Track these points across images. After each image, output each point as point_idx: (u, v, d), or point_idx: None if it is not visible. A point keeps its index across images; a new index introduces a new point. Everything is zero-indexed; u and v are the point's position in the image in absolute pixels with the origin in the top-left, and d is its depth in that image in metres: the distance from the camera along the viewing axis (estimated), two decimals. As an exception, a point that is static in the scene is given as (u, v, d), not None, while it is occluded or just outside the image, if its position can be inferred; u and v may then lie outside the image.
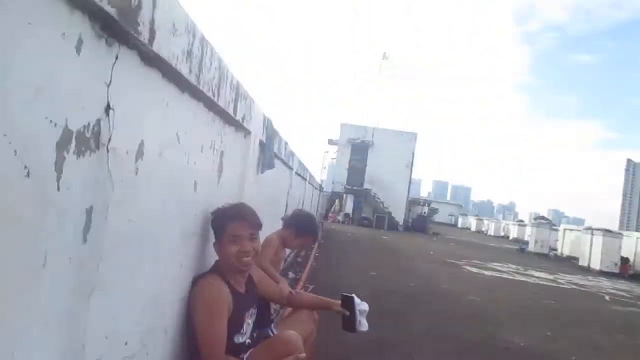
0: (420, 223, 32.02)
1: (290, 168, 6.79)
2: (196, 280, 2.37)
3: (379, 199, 29.93)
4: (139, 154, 1.58)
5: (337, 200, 30.99)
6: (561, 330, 6.68)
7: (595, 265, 19.04)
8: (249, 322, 2.52)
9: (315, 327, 2.85)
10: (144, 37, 1.40)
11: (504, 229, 45.47)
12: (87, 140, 1.25)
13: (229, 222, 2.41)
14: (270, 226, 3.92)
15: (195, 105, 2.13)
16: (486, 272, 12.85)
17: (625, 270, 18.79)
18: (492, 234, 45.12)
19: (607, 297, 11.30)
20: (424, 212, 36.01)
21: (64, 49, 1.11)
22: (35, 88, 1.02)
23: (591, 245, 19.78)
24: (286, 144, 5.55)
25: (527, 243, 26.78)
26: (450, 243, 23.98)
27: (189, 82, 1.87)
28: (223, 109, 2.44)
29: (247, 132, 3.20)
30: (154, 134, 1.68)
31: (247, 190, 3.32)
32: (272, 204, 5.37)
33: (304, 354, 2.23)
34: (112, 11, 1.19)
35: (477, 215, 64.89)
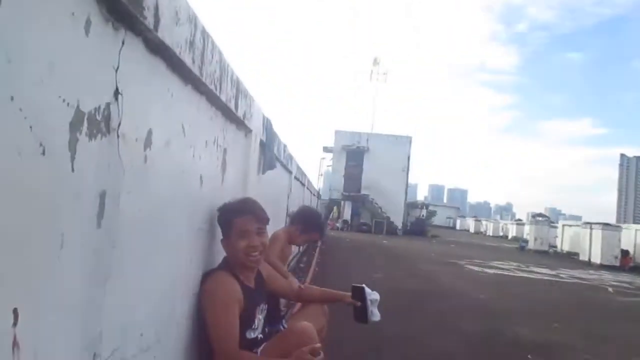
0: (418, 226, 32.01)
1: (290, 172, 6.79)
2: (206, 277, 2.36)
3: (377, 204, 29.91)
4: (147, 142, 1.57)
5: (335, 208, 30.96)
6: (568, 322, 6.66)
7: (596, 259, 19.07)
8: (259, 317, 2.51)
9: (326, 320, 2.84)
10: (149, 22, 1.40)
11: (502, 228, 45.47)
12: (98, 124, 1.24)
13: (235, 217, 2.40)
14: (272, 230, 3.91)
15: (198, 99, 2.12)
16: (489, 270, 12.84)
17: (625, 263, 18.82)
18: (491, 234, 45.12)
19: (610, 289, 11.30)
20: (422, 215, 36.02)
21: (73, 28, 1.11)
22: (48, 64, 1.02)
23: (591, 239, 19.82)
24: (285, 146, 5.55)
25: (526, 241, 26.79)
26: (450, 245, 23.96)
27: (192, 73, 1.87)
28: (225, 105, 2.44)
29: (248, 131, 3.20)
30: (160, 123, 1.67)
31: (250, 190, 3.30)
32: (273, 206, 5.35)
33: (319, 344, 2.22)
34: (118, -8, 1.19)
35: (475, 217, 64.91)
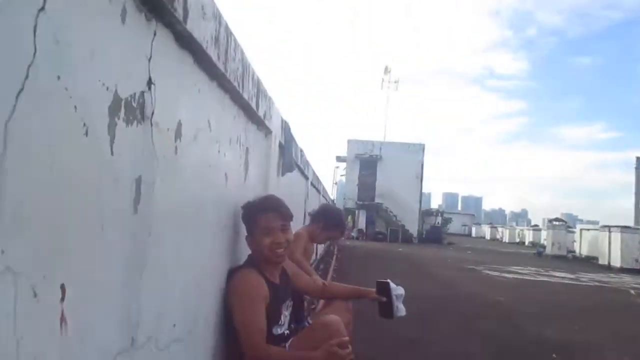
0: (434, 234, 31.79)
1: (306, 177, 6.82)
2: (232, 274, 2.38)
3: (392, 212, 29.79)
4: (178, 133, 1.60)
5: (349, 217, 30.90)
6: (592, 323, 6.57)
7: (616, 262, 18.77)
8: (285, 313, 2.52)
9: (351, 316, 2.84)
10: (179, 13, 1.43)
11: (519, 234, 44.96)
12: (134, 110, 1.28)
13: (260, 214, 2.42)
14: (293, 230, 3.93)
15: (222, 97, 2.16)
16: (507, 275, 12.71)
17: (646, 266, 18.52)
18: (507, 240, 44.64)
19: (632, 292, 11.11)
20: (438, 223, 35.80)
21: (111, 15, 1.15)
22: (90, 49, 1.05)
23: (610, 243, 19.52)
24: (302, 151, 5.58)
25: (544, 246, 26.44)
26: (467, 251, 23.76)
27: (218, 69, 1.90)
28: (247, 103, 2.47)
29: (268, 132, 3.23)
30: (189, 117, 1.70)
31: (270, 191, 3.32)
32: (292, 210, 5.37)
33: (347, 338, 2.22)
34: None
35: (490, 224, 64.36)
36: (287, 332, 2.49)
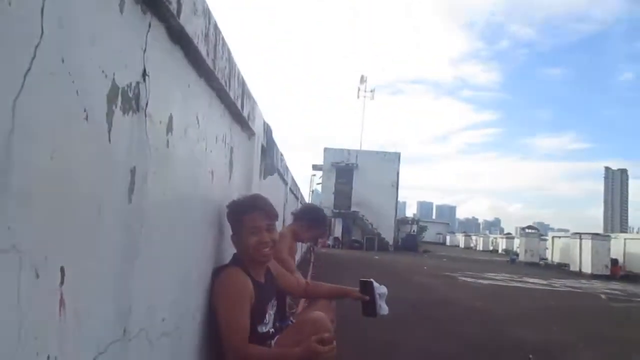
0: (410, 242, 32.03)
1: (286, 182, 6.83)
2: (217, 272, 2.38)
3: (367, 220, 29.94)
4: (169, 127, 1.61)
5: (325, 225, 30.86)
6: (566, 325, 6.73)
7: (587, 269, 19.19)
8: (270, 312, 2.52)
9: (334, 316, 2.85)
10: (173, 7, 1.45)
11: (492, 242, 45.59)
12: (130, 100, 1.28)
13: (246, 213, 2.42)
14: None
15: (210, 94, 2.17)
16: (482, 281, 12.89)
17: (616, 272, 18.95)
18: (481, 248, 45.22)
19: (603, 296, 11.38)
20: (413, 231, 36.07)
21: (110, 5, 1.16)
22: (91, 36, 1.06)
23: (580, 250, 19.96)
24: (282, 155, 5.59)
25: (517, 254, 26.89)
26: (442, 259, 24.01)
27: (207, 65, 1.92)
28: (233, 102, 2.49)
29: (251, 134, 3.25)
30: (179, 111, 1.71)
31: (254, 192, 3.34)
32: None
33: (328, 334, 2.23)
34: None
35: (464, 232, 65.10)
36: (272, 330, 2.49)
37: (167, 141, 1.60)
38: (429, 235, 53.52)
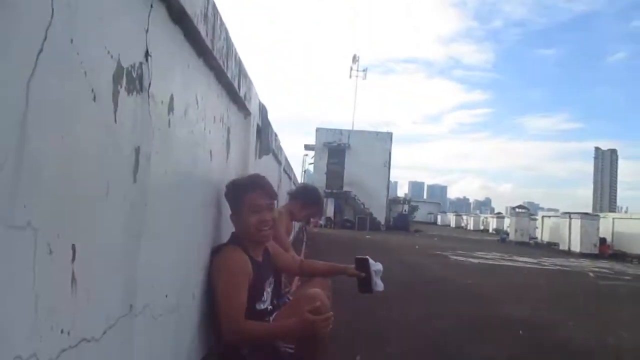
0: (401, 221, 32.23)
1: (279, 163, 6.85)
2: (215, 251, 2.42)
3: (360, 200, 30.03)
4: (170, 107, 1.63)
5: (317, 205, 30.91)
6: (555, 303, 6.86)
7: (576, 248, 19.43)
8: (268, 290, 2.57)
9: (330, 293, 2.90)
10: (175, -14, 1.46)
11: (483, 222, 45.98)
12: (134, 80, 1.30)
13: (247, 193, 2.44)
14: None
15: (208, 74, 2.18)
16: (473, 260, 13.04)
17: (604, 251, 19.22)
18: (471, 228, 45.60)
19: (591, 274, 11.56)
20: (405, 211, 36.29)
21: (115, -15, 1.17)
22: (98, 16, 1.07)
23: (570, 229, 20.18)
24: (276, 135, 5.60)
25: (507, 233, 27.17)
26: (434, 238, 24.20)
27: (206, 45, 1.93)
28: (230, 82, 2.50)
29: (247, 113, 3.26)
30: (180, 91, 1.73)
31: (250, 171, 3.36)
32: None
33: (319, 303, 2.27)
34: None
35: (455, 212, 65.54)
36: (270, 307, 2.54)
37: (169, 121, 1.62)
38: (420, 215, 53.86)
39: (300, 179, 28.81)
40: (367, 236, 21.52)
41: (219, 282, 2.31)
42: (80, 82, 1.01)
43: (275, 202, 2.58)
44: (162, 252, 1.66)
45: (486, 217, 47.25)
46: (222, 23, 2.16)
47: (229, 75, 2.41)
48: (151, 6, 1.40)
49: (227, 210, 2.57)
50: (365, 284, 2.78)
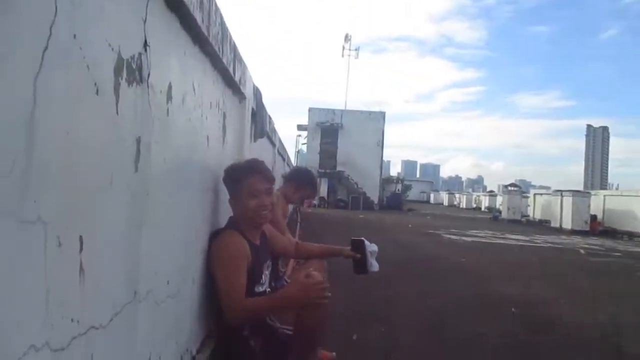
0: (394, 201, 32.37)
1: (274, 145, 6.86)
2: (214, 235, 2.45)
3: (353, 180, 30.11)
4: (169, 96, 1.64)
5: (311, 185, 30.93)
6: (547, 280, 6.98)
7: (567, 225, 19.64)
8: (266, 273, 2.61)
9: (326, 275, 2.95)
10: (171, -25, 1.46)
11: (475, 200, 46.27)
12: (134, 71, 1.31)
13: (246, 177, 2.47)
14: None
15: (204, 61, 2.19)
16: (466, 238, 13.18)
17: (595, 228, 19.44)
18: (464, 206, 45.91)
19: (582, 251, 11.73)
20: (398, 190, 36.43)
21: (114, -24, 1.17)
22: (99, 10, 1.08)
23: (561, 206, 20.38)
24: (270, 118, 5.60)
25: (500, 211, 27.40)
26: (427, 217, 24.39)
27: (201, 32, 1.93)
28: (225, 67, 2.50)
29: (242, 97, 3.26)
30: (177, 79, 1.74)
31: (246, 155, 3.38)
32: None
33: (312, 269, 2.34)
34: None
35: (448, 190, 65.91)
36: (268, 289, 2.58)
37: (167, 110, 1.63)
38: (413, 194, 54.12)
39: (293, 159, 28.80)
40: (361, 216, 21.64)
41: (218, 266, 2.35)
42: (83, 76, 1.02)
43: (273, 186, 2.60)
44: (163, 238, 1.68)
45: (478, 196, 47.53)
46: (217, 9, 2.16)
47: (224, 60, 2.42)
48: (149, -5, 1.40)
49: (224, 195, 2.60)
50: (360, 265, 2.83)
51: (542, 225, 21.78)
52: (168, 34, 1.64)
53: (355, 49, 38.04)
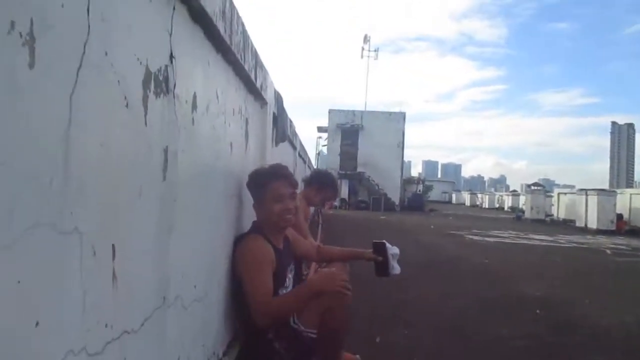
0: (416, 201, 32.17)
1: (294, 148, 6.90)
2: (239, 240, 2.49)
3: (374, 181, 30.04)
4: (194, 105, 1.68)
5: (331, 187, 30.92)
6: (572, 280, 6.90)
7: (592, 224, 19.31)
8: (289, 276, 2.64)
9: (348, 278, 2.97)
10: (195, -12, 1.50)
11: (498, 200, 45.76)
12: (161, 83, 1.35)
13: (270, 182, 2.51)
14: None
15: (226, 70, 2.23)
16: (489, 239, 13.07)
17: (621, 227, 19.08)
18: (487, 206, 45.45)
19: (608, 251, 11.54)
20: (419, 190, 36.22)
21: (140, -6, 1.21)
22: (128, 26, 1.12)
23: (586, 205, 20.05)
24: (291, 122, 5.65)
25: (523, 211, 27.07)
26: (449, 217, 24.23)
27: (224, 41, 1.97)
28: (247, 74, 2.54)
29: (263, 103, 3.30)
30: (202, 89, 1.78)
31: (269, 160, 3.42)
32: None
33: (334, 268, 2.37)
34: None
35: (470, 190, 65.32)
36: (292, 292, 2.62)
37: (193, 119, 1.67)
38: (434, 195, 53.74)
39: (314, 161, 28.85)
40: (382, 217, 21.58)
41: (245, 270, 2.39)
42: (114, 91, 1.07)
43: (297, 190, 2.64)
44: (190, 244, 1.73)
45: (501, 195, 47.00)
46: (238, 17, 2.20)
47: (246, 67, 2.46)
48: (173, 8, 1.44)
49: (248, 200, 2.64)
50: (382, 267, 2.84)
51: (567, 225, 21.45)
52: (192, 44, 1.69)
53: (375, 50, 37.92)
